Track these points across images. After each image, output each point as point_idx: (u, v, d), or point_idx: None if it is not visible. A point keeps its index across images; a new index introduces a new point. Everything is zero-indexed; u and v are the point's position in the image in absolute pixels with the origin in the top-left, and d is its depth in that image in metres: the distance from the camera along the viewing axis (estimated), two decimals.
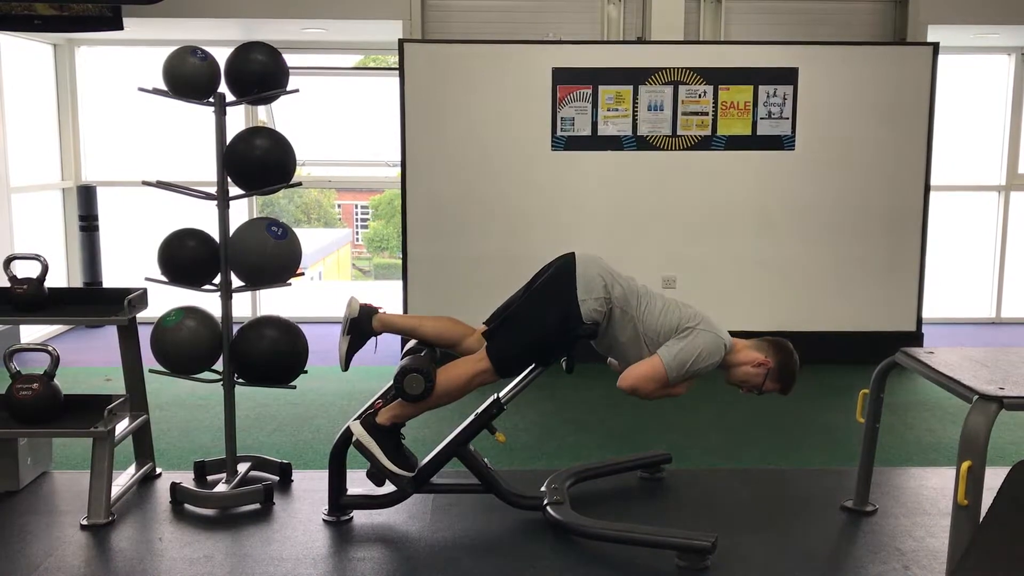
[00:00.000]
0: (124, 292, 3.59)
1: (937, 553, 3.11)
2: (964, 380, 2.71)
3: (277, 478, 3.74)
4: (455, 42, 5.85)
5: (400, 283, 5.86)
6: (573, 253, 3.29)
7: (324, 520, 3.38)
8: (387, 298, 6.37)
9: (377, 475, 3.23)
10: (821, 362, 5.83)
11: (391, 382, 3.20)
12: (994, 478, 2.28)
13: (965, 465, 2.46)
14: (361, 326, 3.35)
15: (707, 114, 5.72)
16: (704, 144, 5.75)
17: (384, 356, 3.86)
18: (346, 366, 3.37)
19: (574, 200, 5.80)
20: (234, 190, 3.47)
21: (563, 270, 3.24)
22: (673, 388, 3.20)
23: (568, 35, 6.27)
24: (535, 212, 5.79)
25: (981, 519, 2.24)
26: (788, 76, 5.71)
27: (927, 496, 3.66)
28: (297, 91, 3.54)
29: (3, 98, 5.98)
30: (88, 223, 6.93)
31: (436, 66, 5.69)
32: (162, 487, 3.68)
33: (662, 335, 3.19)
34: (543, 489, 3.43)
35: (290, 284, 3.49)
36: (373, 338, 3.39)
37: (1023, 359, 3.00)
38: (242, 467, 3.72)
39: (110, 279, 6.95)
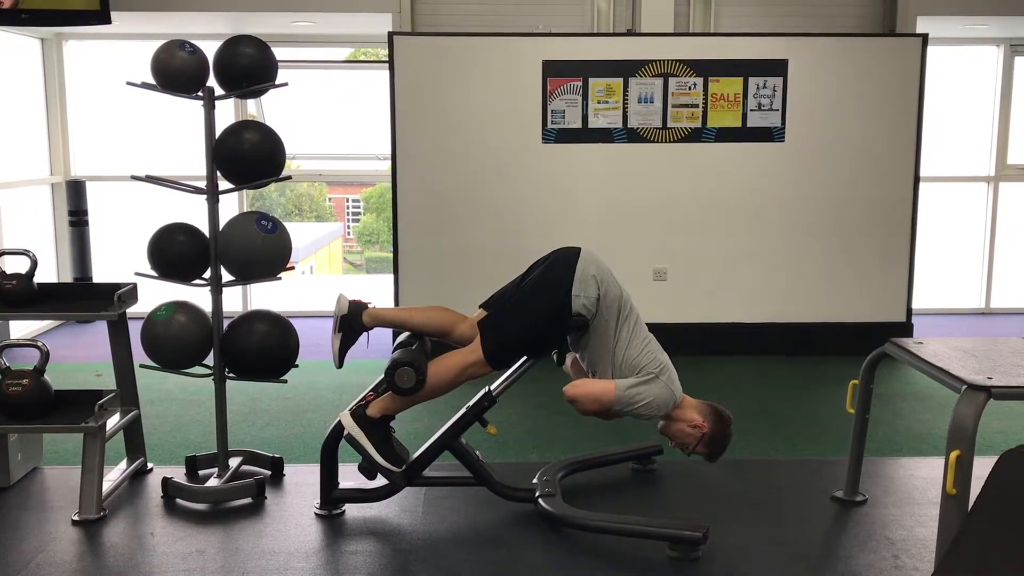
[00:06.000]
0: (114, 287, 3.57)
1: (926, 542, 3.13)
2: (953, 370, 2.72)
3: (269, 472, 3.74)
4: (445, 35, 5.84)
5: (391, 277, 5.86)
6: (580, 248, 3.29)
7: (316, 514, 3.38)
8: (379, 292, 6.38)
9: (369, 469, 3.23)
10: (811, 353, 5.86)
11: (383, 375, 3.20)
12: (982, 467, 2.29)
13: (954, 454, 2.48)
14: (352, 323, 3.35)
15: (697, 106, 5.73)
16: (694, 136, 5.76)
17: (376, 350, 3.86)
18: (340, 363, 3.36)
19: (565, 193, 5.80)
20: (223, 184, 3.46)
21: (564, 261, 3.24)
22: (607, 414, 3.27)
23: (558, 27, 6.27)
24: (526, 205, 5.79)
25: (970, 508, 2.25)
26: (778, 68, 5.72)
27: (917, 486, 3.69)
28: (286, 85, 3.53)
29: None
30: (77, 218, 6.90)
31: (426, 59, 5.68)
32: (153, 482, 3.68)
33: (626, 366, 3.22)
34: (535, 481, 3.44)
35: (280, 278, 3.49)
36: (365, 333, 3.39)
37: (1011, 349, 3.02)
38: (233, 461, 3.71)
39: (100, 274, 6.92)
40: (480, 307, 3.39)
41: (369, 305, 3.40)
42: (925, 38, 5.77)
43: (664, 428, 3.32)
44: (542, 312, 3.21)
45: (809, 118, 5.77)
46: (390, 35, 5.68)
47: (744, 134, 5.76)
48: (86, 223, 6.93)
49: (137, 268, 3.48)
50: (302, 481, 3.69)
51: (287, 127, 5.14)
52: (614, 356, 3.23)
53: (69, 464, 3.88)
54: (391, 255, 5.91)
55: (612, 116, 5.72)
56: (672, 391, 3.23)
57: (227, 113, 6.73)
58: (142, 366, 3.50)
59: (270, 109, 7.09)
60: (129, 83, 3.44)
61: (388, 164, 5.90)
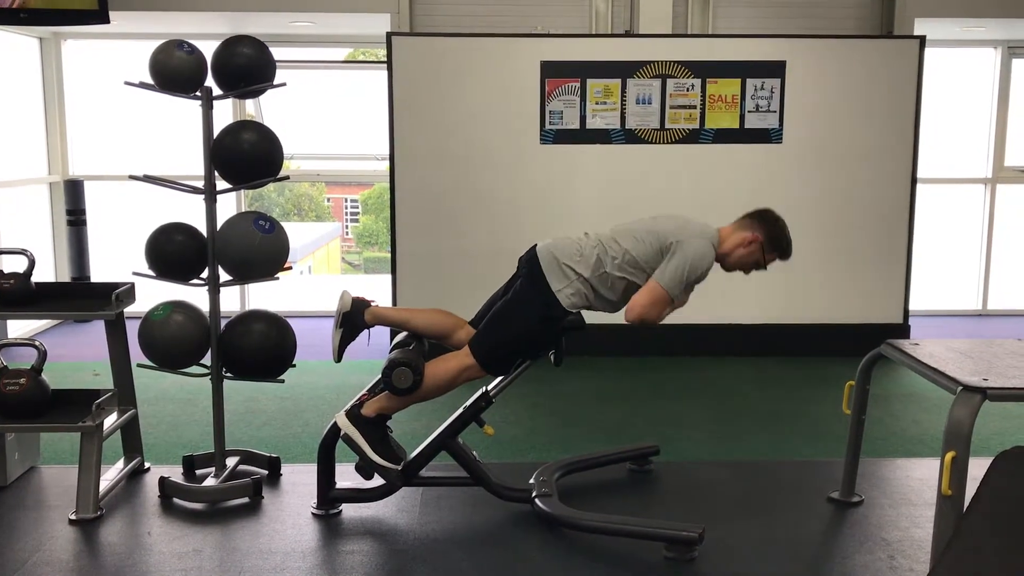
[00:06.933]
0: (112, 287, 3.58)
1: (922, 543, 3.13)
2: (948, 371, 2.73)
3: (266, 472, 3.74)
4: (443, 35, 5.84)
5: (390, 277, 5.86)
6: (535, 247, 3.30)
7: (313, 513, 3.39)
8: (377, 293, 6.38)
9: (366, 469, 3.24)
10: (808, 354, 5.86)
11: (379, 375, 3.21)
12: (978, 468, 2.30)
13: (949, 456, 2.48)
14: (353, 320, 3.36)
15: (695, 107, 5.73)
16: (692, 137, 5.76)
17: (374, 349, 3.88)
18: (339, 358, 3.38)
19: (563, 194, 5.80)
20: (221, 184, 3.46)
21: (531, 268, 3.26)
22: (677, 303, 3.24)
23: (556, 28, 6.27)
24: (524, 206, 5.79)
25: (965, 509, 2.26)
26: (776, 69, 5.72)
27: (912, 487, 3.69)
28: (284, 85, 3.53)
29: None
30: (75, 217, 6.89)
31: (424, 59, 5.68)
32: (150, 481, 3.68)
33: (649, 264, 3.19)
34: (532, 482, 3.44)
35: (278, 278, 3.49)
36: (366, 330, 3.40)
37: (1007, 351, 3.03)
38: (231, 461, 3.72)
39: (98, 274, 6.92)
40: (469, 323, 3.40)
41: (372, 303, 3.42)
42: (923, 40, 5.78)
43: (727, 266, 3.30)
44: (530, 320, 3.21)
45: (807, 119, 5.78)
46: (388, 35, 5.68)
47: (742, 135, 5.77)
48: (84, 222, 6.93)
49: (135, 268, 3.48)
50: (299, 481, 3.69)
51: (286, 127, 5.15)
52: (640, 271, 3.19)
53: (66, 463, 3.88)
54: (389, 255, 5.91)
55: (610, 117, 5.73)
56: (700, 238, 3.19)
57: (225, 113, 6.74)
58: (139, 365, 3.51)
59: (268, 109, 7.08)
60: (127, 83, 3.44)
61: (387, 165, 5.90)
